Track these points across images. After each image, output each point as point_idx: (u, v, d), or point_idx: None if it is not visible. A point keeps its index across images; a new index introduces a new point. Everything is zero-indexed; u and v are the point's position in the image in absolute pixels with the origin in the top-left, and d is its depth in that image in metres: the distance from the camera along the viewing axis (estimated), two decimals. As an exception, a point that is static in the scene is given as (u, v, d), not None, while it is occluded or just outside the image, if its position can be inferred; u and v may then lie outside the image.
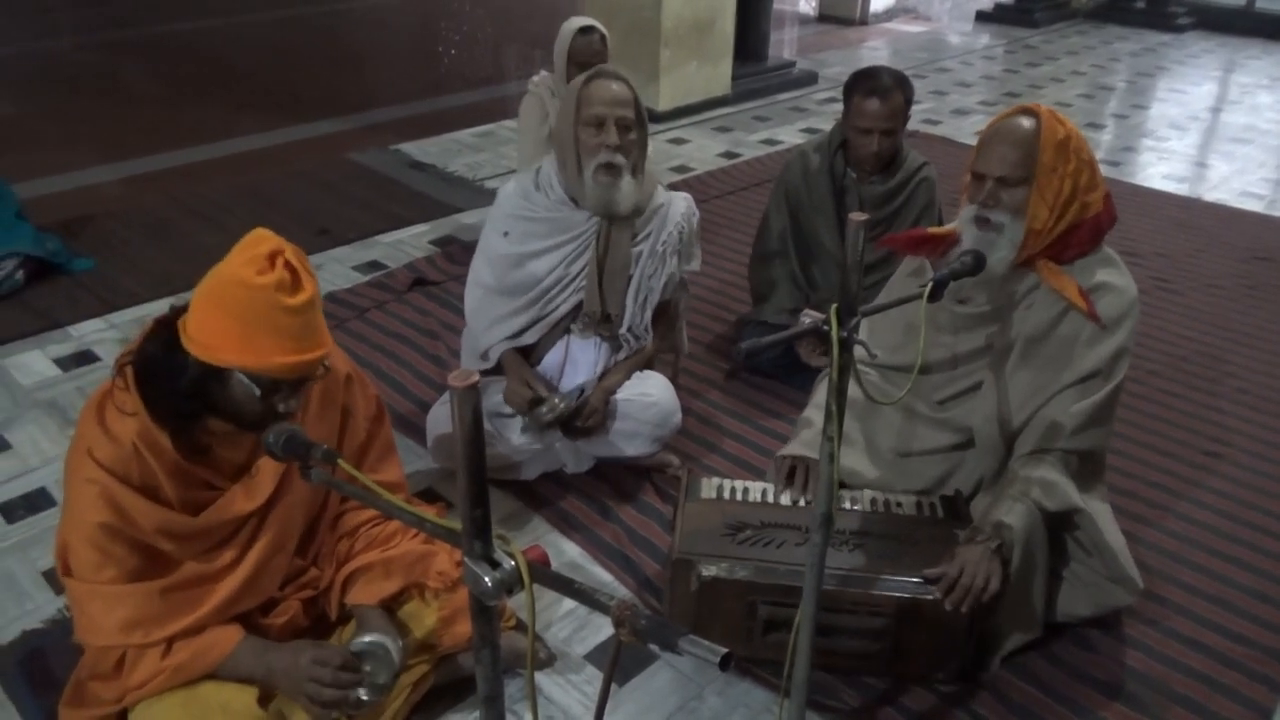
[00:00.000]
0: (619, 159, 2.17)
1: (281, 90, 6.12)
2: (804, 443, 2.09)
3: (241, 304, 1.42)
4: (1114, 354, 1.88)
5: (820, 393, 2.18)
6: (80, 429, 1.55)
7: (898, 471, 2.11)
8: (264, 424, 1.43)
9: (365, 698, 1.65)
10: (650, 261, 2.34)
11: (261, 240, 1.46)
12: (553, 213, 2.31)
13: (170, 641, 1.58)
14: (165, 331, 1.49)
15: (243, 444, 1.62)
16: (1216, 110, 6.16)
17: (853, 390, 1.42)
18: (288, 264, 1.43)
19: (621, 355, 2.41)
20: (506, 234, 2.34)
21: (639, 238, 2.33)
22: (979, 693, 1.91)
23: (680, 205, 2.39)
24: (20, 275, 3.30)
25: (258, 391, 1.47)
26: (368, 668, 1.67)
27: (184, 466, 1.55)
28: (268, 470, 1.63)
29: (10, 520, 2.33)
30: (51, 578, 2.12)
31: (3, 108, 5.60)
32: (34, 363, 2.97)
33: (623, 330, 2.37)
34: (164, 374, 1.47)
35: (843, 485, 2.06)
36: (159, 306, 3.13)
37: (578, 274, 2.31)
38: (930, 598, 1.78)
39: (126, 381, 1.51)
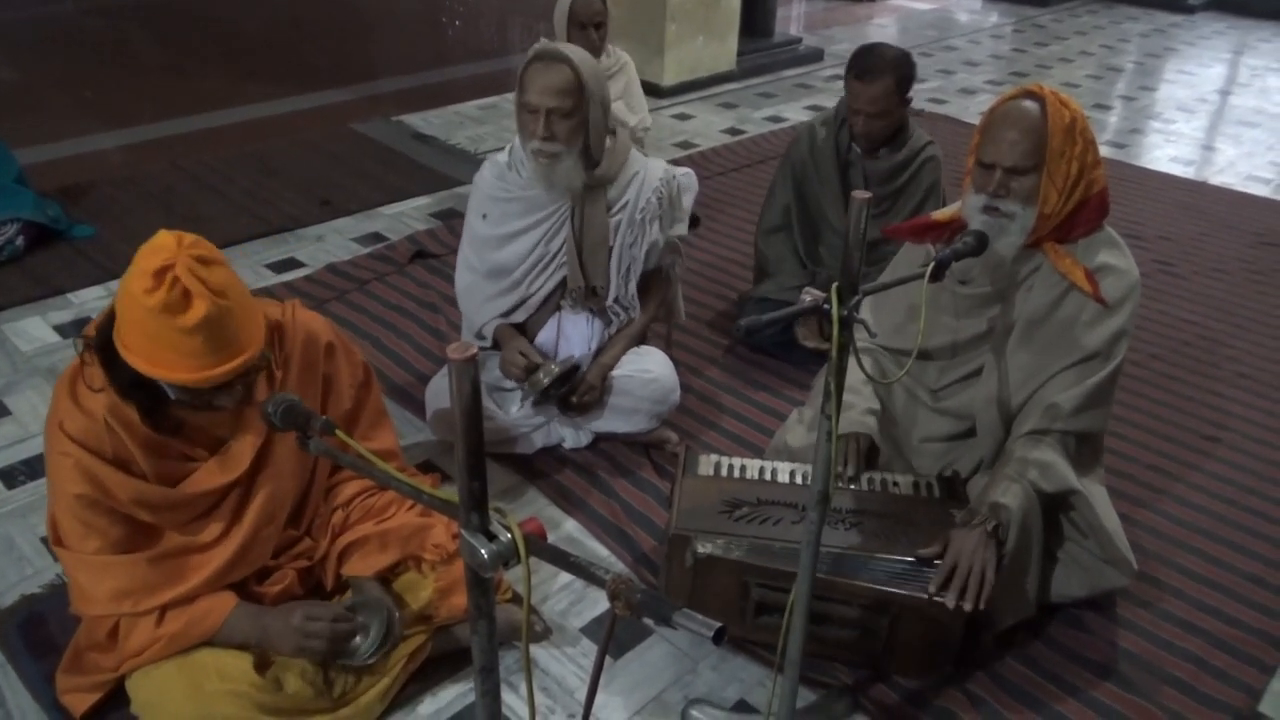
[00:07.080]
0: (548, 147, 2.15)
1: (287, 59, 6.07)
2: (848, 421, 2.04)
3: (138, 320, 1.37)
4: (1114, 335, 1.88)
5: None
6: (54, 403, 1.55)
7: (904, 454, 2.11)
8: (215, 409, 1.45)
9: (362, 649, 1.67)
10: (629, 231, 2.31)
11: (156, 251, 1.38)
12: (527, 191, 2.29)
13: (163, 611, 1.59)
14: (109, 324, 1.46)
15: (218, 418, 1.59)
16: (1225, 93, 6.10)
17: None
18: (176, 281, 1.35)
19: (613, 328, 2.41)
20: (485, 216, 2.33)
21: (615, 207, 2.31)
22: (972, 671, 1.92)
23: (657, 170, 2.36)
24: (21, 241, 3.29)
25: (182, 396, 1.45)
26: (361, 618, 1.69)
27: (156, 439, 1.54)
28: (245, 443, 1.61)
29: (10, 486, 2.34)
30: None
31: (6, 73, 5.56)
32: (34, 329, 2.97)
33: (609, 302, 2.36)
34: (111, 369, 1.46)
35: (870, 463, 2.05)
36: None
37: (557, 251, 2.30)
38: (925, 597, 1.76)
39: (94, 356, 1.49)
